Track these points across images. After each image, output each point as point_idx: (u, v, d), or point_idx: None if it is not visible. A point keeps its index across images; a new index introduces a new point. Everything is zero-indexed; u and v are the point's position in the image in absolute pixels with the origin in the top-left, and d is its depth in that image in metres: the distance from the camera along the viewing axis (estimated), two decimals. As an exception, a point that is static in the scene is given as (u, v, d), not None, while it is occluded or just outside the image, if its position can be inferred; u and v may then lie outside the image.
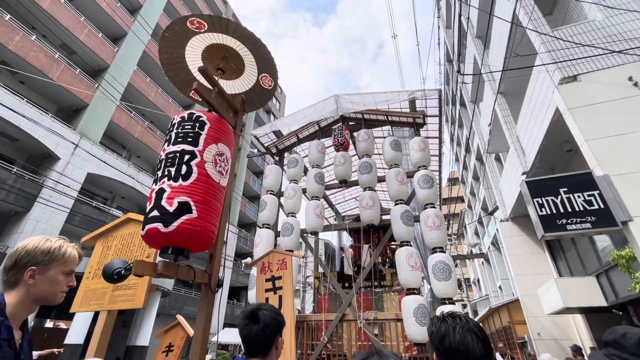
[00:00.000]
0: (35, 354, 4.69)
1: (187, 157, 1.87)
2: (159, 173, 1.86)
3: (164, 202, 1.73)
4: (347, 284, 7.14)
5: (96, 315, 2.99)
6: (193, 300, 17.40)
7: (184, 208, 1.73)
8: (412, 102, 6.25)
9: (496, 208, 11.13)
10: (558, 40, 5.71)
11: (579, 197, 4.48)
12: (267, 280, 3.92)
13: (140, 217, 3.00)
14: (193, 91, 2.41)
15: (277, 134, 7.41)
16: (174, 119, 2.09)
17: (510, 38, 7.08)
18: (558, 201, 4.55)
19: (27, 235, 10.48)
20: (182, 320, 3.95)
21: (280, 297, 3.74)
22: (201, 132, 1.98)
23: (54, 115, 12.46)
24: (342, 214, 10.36)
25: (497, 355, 8.34)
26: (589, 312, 7.44)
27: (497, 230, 11.23)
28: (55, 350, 5.01)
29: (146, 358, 11.92)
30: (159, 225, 1.67)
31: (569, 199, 4.51)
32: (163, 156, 1.92)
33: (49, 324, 16.27)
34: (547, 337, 8.29)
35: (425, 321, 4.40)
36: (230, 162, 2.16)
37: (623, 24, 5.50)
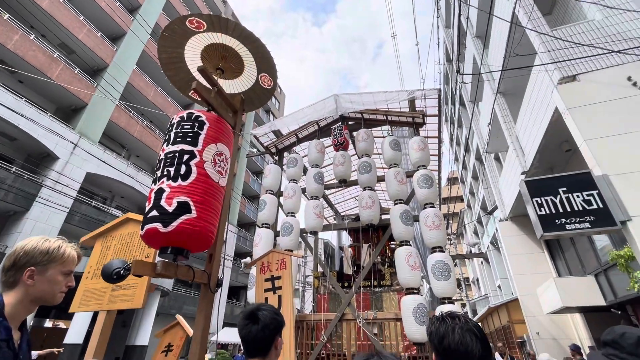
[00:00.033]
0: (34, 353, 4.68)
1: (186, 157, 1.87)
2: (158, 173, 1.86)
3: (163, 202, 1.72)
4: (346, 284, 7.15)
5: (95, 314, 2.98)
6: (192, 299, 17.39)
7: (183, 208, 1.73)
8: (412, 102, 6.25)
9: (495, 207, 11.15)
10: (557, 40, 5.72)
11: (578, 196, 4.49)
12: (266, 280, 3.92)
13: (140, 217, 2.99)
14: (192, 91, 2.40)
15: (277, 133, 7.41)
16: (173, 118, 2.08)
17: (510, 38, 7.08)
18: (557, 201, 4.56)
19: (26, 235, 10.47)
20: (181, 320, 3.95)
21: (279, 297, 3.74)
22: (200, 132, 1.98)
23: (53, 115, 12.44)
24: (342, 214, 10.37)
25: (496, 354, 8.36)
26: (587, 312, 7.46)
27: (496, 229, 11.25)
28: (54, 349, 5.00)
29: (145, 358, 11.91)
30: (158, 225, 1.67)
31: (568, 198, 4.52)
32: (162, 156, 1.92)
33: (48, 323, 16.24)
34: (546, 336, 8.31)
35: (424, 321, 4.41)
36: (229, 161, 2.16)
37: (622, 23, 5.51)
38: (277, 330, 1.27)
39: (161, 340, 3.93)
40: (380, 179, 6.19)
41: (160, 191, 1.76)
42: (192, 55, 2.59)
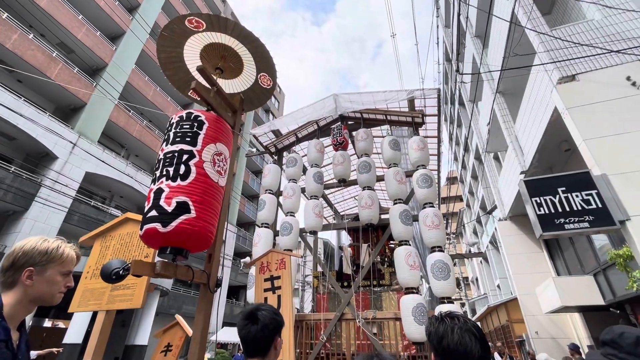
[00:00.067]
0: (34, 353, 4.68)
1: (185, 156, 1.87)
2: (158, 173, 1.85)
3: (162, 202, 1.72)
4: (346, 283, 7.15)
5: (95, 314, 2.98)
6: (192, 299, 17.39)
7: (182, 208, 1.73)
8: (411, 102, 6.24)
9: (495, 207, 11.16)
10: (557, 40, 5.72)
11: (577, 196, 4.49)
12: (265, 280, 3.92)
13: (139, 217, 2.99)
14: (191, 90, 2.40)
15: (276, 133, 7.40)
16: (172, 118, 2.08)
17: (509, 37, 7.09)
18: (556, 200, 4.57)
19: (25, 234, 10.45)
20: (180, 320, 3.95)
21: (279, 296, 3.74)
22: (200, 132, 1.98)
23: (51, 114, 12.41)
24: (341, 213, 10.36)
25: (495, 354, 8.37)
26: (586, 311, 7.47)
27: (495, 229, 11.26)
28: (54, 349, 5.01)
29: (145, 357, 11.90)
30: (157, 225, 1.67)
31: (567, 198, 4.53)
32: (161, 156, 1.92)
33: (47, 323, 16.21)
34: (545, 335, 8.33)
35: (423, 320, 4.41)
36: (228, 161, 2.16)
37: (621, 23, 5.52)
38: (276, 331, 1.27)
39: (160, 340, 3.93)
40: (380, 179, 6.19)
41: (159, 191, 1.76)
42: (191, 54, 2.58)
